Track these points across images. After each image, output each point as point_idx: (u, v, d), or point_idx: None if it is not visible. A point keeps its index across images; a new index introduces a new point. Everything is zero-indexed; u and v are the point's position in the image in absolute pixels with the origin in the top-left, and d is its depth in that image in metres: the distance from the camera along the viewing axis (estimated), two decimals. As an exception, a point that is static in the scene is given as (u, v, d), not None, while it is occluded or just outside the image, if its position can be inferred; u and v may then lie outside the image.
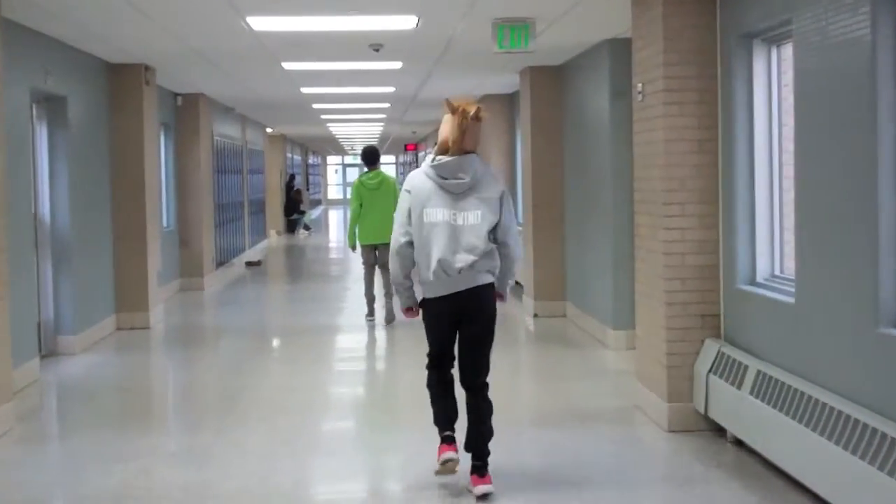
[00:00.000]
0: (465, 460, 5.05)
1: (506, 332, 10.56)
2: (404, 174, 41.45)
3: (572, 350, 9.24)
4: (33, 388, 7.72)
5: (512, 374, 8.40)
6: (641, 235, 6.73)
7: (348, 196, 16.28)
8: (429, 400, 5.18)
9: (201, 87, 13.55)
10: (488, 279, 4.92)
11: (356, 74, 11.87)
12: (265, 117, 20.29)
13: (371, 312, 10.63)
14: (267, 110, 18.06)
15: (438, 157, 4.99)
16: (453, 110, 4.98)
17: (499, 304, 5.07)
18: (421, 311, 5.07)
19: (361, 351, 9.73)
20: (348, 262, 18.27)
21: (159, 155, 12.95)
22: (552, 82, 10.99)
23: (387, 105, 16.97)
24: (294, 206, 27.16)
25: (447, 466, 5.00)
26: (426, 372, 5.18)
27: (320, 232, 28.12)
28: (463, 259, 4.81)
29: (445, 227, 4.83)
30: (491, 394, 5.14)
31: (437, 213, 4.86)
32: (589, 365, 8.56)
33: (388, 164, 52.77)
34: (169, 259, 13.39)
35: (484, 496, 4.88)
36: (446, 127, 5.01)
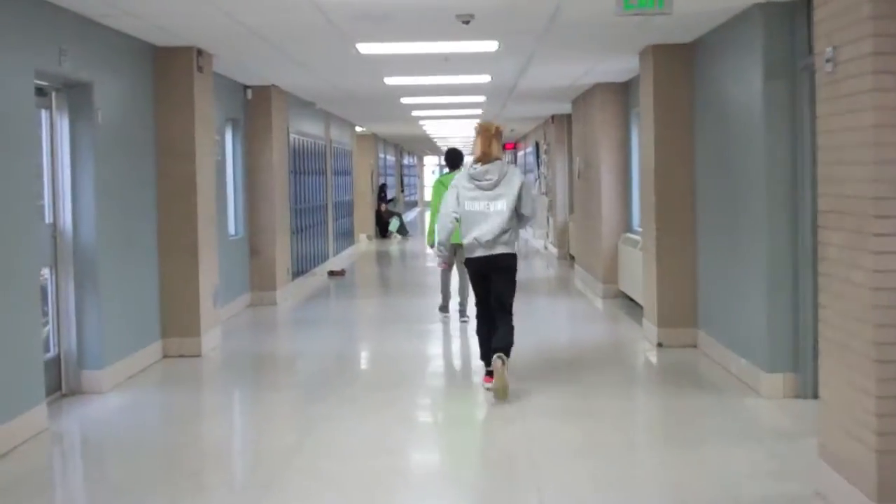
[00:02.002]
0: None
1: (620, 365, 8.72)
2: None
3: (710, 396, 7.31)
4: (33, 443, 6.15)
5: (630, 427, 6.54)
6: (830, 259, 4.82)
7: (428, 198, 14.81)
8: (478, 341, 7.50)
9: (272, 79, 11.97)
10: (507, 249, 7.13)
11: (444, 60, 10.12)
12: (352, 114, 18.71)
13: (445, 307, 11.11)
14: (352, 106, 16.44)
15: (474, 165, 7.18)
16: (478, 132, 7.16)
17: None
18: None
19: (459, 398, 7.95)
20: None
21: (225, 154, 11.43)
22: (681, 64, 9.06)
23: (482, 98, 15.19)
24: (383, 222, 25.67)
25: (499, 373, 6.92)
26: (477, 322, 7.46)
27: (416, 235, 26.46)
28: (490, 235, 7.04)
29: (480, 213, 7.07)
30: (606, 459, 5.74)
31: (475, 204, 7.09)
32: (737, 420, 6.63)
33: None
34: (237, 271, 11.85)
35: (500, 361, 6.93)
36: (476, 143, 7.17)
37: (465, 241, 7.16)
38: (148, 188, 8.69)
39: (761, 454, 5.79)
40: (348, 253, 20.06)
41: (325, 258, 16.98)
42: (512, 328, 7.22)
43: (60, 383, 7.40)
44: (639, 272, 11.13)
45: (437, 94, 14.47)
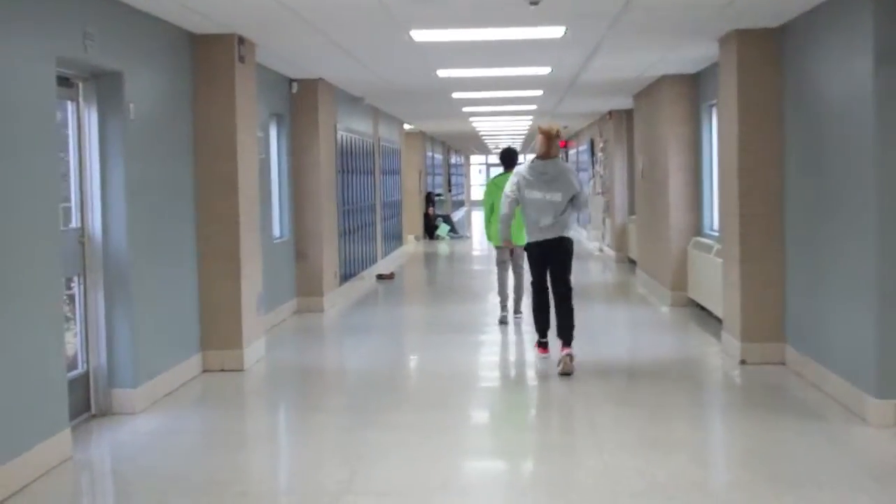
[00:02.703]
0: None
1: (699, 385, 7.92)
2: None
3: (809, 424, 6.46)
4: (55, 475, 5.49)
5: (723, 463, 5.72)
6: None
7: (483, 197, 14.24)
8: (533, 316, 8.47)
9: (319, 71, 11.28)
10: (563, 233, 8.12)
11: (505, 48, 9.36)
12: (400, 110, 18.00)
13: (504, 309, 10.85)
14: (401, 101, 15.72)
15: (535, 159, 8.28)
16: (542, 132, 8.23)
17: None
18: (525, 253, 8.53)
19: (521, 424, 7.19)
20: (493, 273, 15.79)
21: (269, 152, 10.75)
22: (769, 50, 8.21)
23: (539, 93, 14.40)
24: (431, 224, 24.98)
25: (544, 356, 8.43)
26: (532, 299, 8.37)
27: (462, 236, 25.68)
28: (547, 221, 8.08)
29: (538, 202, 8.10)
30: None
31: (534, 194, 8.13)
32: (847, 455, 5.79)
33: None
34: (282, 276, 11.18)
35: (569, 357, 7.90)
36: (538, 141, 8.27)
37: (527, 227, 8.29)
38: (185, 189, 8.01)
39: (886, 499, 4.97)
40: (397, 255, 19.36)
41: (373, 261, 16.28)
42: (572, 309, 8.25)
43: (90, 403, 6.75)
44: (711, 279, 10.30)
45: (492, 89, 13.70)
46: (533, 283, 8.39)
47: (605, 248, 19.18)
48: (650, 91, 13.05)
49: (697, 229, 11.81)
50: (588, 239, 21.73)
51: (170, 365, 7.54)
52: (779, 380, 7.78)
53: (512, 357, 9.50)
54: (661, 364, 8.64)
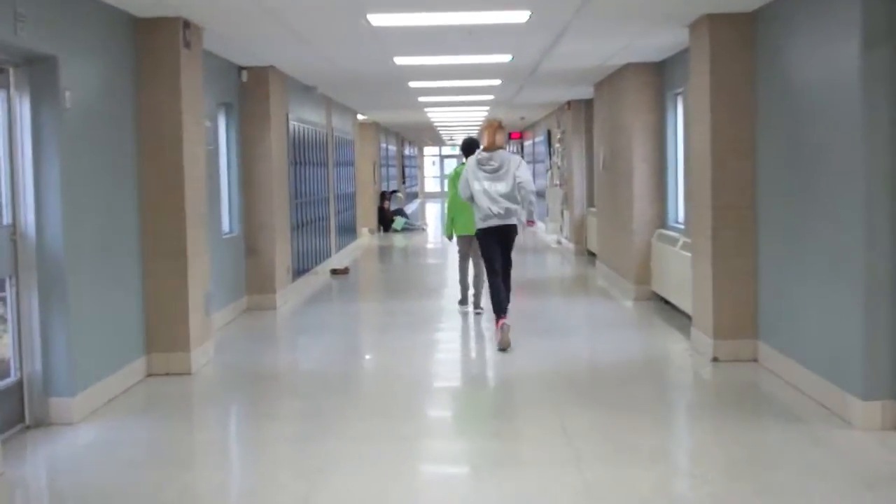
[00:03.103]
0: None
1: (671, 385, 7.64)
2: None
3: (791, 426, 6.14)
4: (-18, 497, 5.01)
5: (706, 472, 5.35)
6: None
7: (446, 189, 13.96)
8: (489, 294, 8.93)
9: (270, 58, 10.79)
10: (511, 221, 8.84)
11: (466, 36, 8.95)
12: (355, 100, 17.51)
13: (464, 300, 10.99)
14: (356, 91, 15.23)
15: (481, 152, 8.93)
16: (485, 126, 8.96)
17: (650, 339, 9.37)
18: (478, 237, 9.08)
19: (489, 431, 6.79)
20: (448, 268, 15.42)
21: (217, 143, 10.26)
22: (742, 36, 7.88)
23: (497, 83, 14.01)
24: (386, 217, 24.56)
25: (504, 331, 8.60)
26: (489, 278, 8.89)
27: (418, 228, 25.23)
28: (495, 210, 8.74)
29: (487, 192, 8.74)
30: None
31: (483, 184, 8.76)
32: (835, 460, 5.47)
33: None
34: (232, 273, 10.69)
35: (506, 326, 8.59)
36: (484, 135, 8.93)
37: (477, 216, 8.84)
38: (127, 182, 7.51)
39: (883, 510, 4.66)
40: (351, 249, 18.89)
41: (327, 255, 15.79)
42: (510, 288, 9.09)
43: (23, 414, 6.24)
44: (677, 273, 10.01)
45: (450, 78, 13.29)
46: (487, 269, 8.99)
47: (564, 241, 18.88)
48: (613, 80, 12.72)
49: (662, 221, 11.51)
50: (546, 231, 21.39)
51: (111, 370, 7.05)
52: (752, 378, 7.49)
53: (473, 356, 9.12)
54: (630, 363, 8.30)
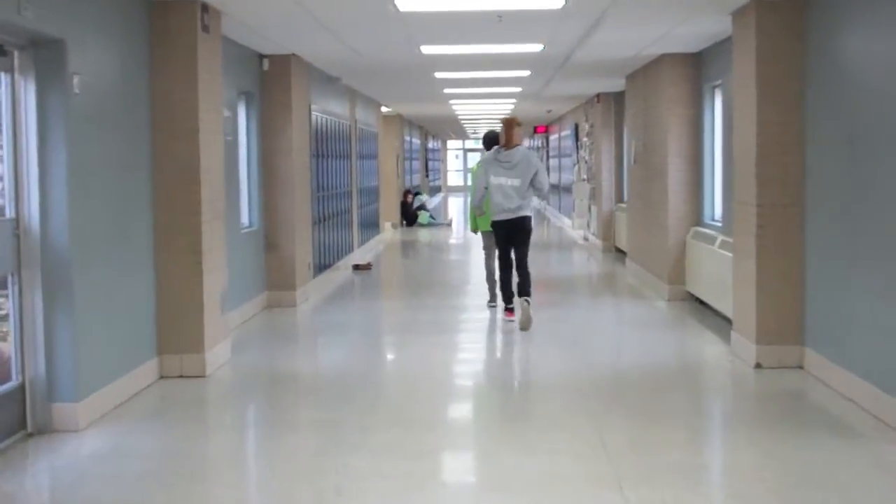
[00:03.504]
0: None
1: (711, 394, 7.21)
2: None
3: (843, 442, 5.69)
4: (-25, 513, 4.64)
5: (750, 495, 4.89)
6: None
7: (469, 182, 13.56)
8: (499, 286, 9.64)
9: (292, 46, 10.39)
10: (526, 213, 9.25)
11: (496, 22, 8.53)
12: (379, 92, 17.10)
13: (493, 298, 10.59)
14: (380, 81, 14.82)
15: (499, 148, 9.32)
16: (503, 123, 9.28)
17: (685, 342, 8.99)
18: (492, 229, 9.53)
19: (520, 445, 6.36)
20: (472, 264, 15.01)
21: (237, 133, 9.88)
22: (791, 23, 7.42)
23: (527, 73, 13.57)
24: (409, 211, 24.12)
25: (510, 319, 9.40)
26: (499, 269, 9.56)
27: (442, 223, 24.79)
28: (511, 204, 9.16)
29: (503, 186, 9.19)
30: None
31: (499, 179, 9.20)
32: (901, 484, 5.03)
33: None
34: (251, 269, 10.32)
35: (527, 301, 9.11)
36: (502, 133, 9.29)
37: (493, 208, 9.29)
38: (140, 174, 7.13)
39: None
40: (374, 243, 18.52)
41: (349, 250, 15.41)
42: (529, 274, 9.30)
43: (25, 420, 5.88)
44: (714, 272, 9.56)
45: (477, 69, 12.85)
46: (499, 258, 9.49)
47: (591, 237, 18.42)
48: (647, 71, 12.24)
49: (697, 218, 11.04)
50: (573, 227, 20.91)
51: (120, 373, 6.68)
52: (799, 386, 7.04)
53: (499, 358, 8.71)
54: (667, 368, 7.87)
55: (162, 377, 7.35)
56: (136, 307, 7.03)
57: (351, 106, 15.84)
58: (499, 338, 9.48)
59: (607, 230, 16.91)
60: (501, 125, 9.30)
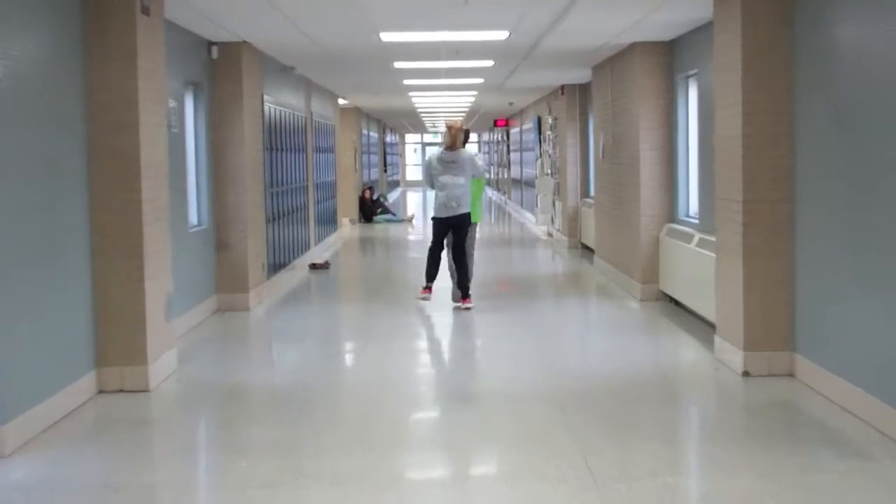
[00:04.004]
0: None
1: (699, 406, 6.66)
2: (489, 153, 37.96)
3: (850, 463, 5.19)
4: None
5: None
6: None
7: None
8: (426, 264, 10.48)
9: (243, 33, 9.75)
10: (465, 210, 10.16)
11: (461, 7, 7.95)
12: (336, 83, 16.45)
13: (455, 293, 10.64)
14: (337, 72, 14.17)
15: (444, 150, 10.33)
16: (447, 129, 10.28)
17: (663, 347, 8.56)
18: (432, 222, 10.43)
19: (498, 480, 5.80)
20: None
21: (183, 126, 9.23)
22: (779, 7, 6.92)
23: (490, 64, 13.01)
24: (367, 207, 23.50)
25: (424, 297, 10.45)
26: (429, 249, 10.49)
27: (401, 219, 24.18)
28: (453, 200, 10.10)
29: (447, 184, 10.13)
30: None
31: (444, 178, 10.16)
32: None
33: (471, 143, 48.94)
34: (200, 270, 9.67)
35: (466, 309, 9.93)
36: (446, 137, 10.30)
37: (436, 204, 10.23)
38: (73, 169, 6.47)
39: None
40: (331, 241, 17.88)
41: (305, 248, 14.76)
42: (468, 268, 10.30)
43: (-60, 447, 5.23)
44: (691, 272, 9.11)
45: (439, 59, 12.27)
46: (432, 245, 10.49)
47: (555, 233, 17.92)
48: (616, 62, 11.74)
49: (671, 215, 10.56)
50: (536, 223, 20.40)
51: (52, 390, 6.03)
52: (792, 397, 6.56)
53: (467, 366, 8.13)
54: (650, 378, 7.35)
55: (101, 392, 6.71)
56: (70, 317, 6.37)
57: (306, 97, 15.19)
58: (464, 343, 8.93)
59: (573, 226, 16.43)
60: (446, 129, 10.26)
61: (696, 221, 9.69)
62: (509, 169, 29.26)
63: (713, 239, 8.41)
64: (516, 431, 5.96)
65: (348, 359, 8.48)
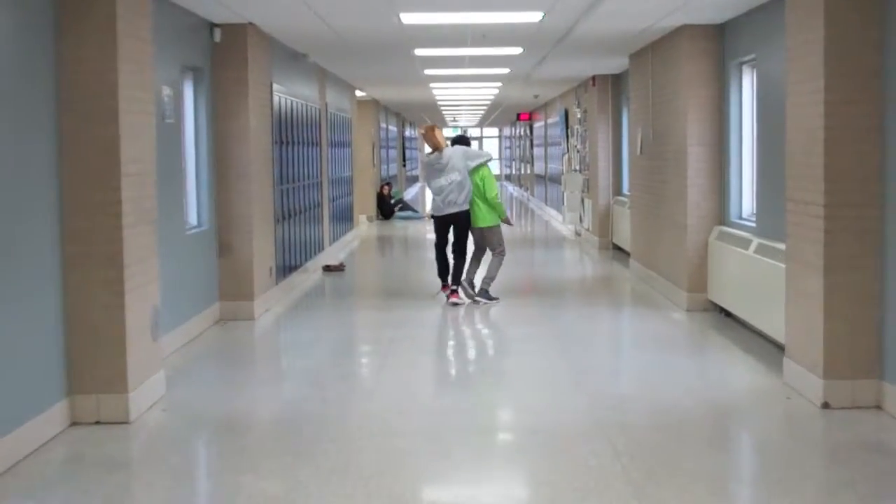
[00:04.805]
0: None
1: (778, 449, 5.57)
2: (510, 149, 37.01)
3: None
4: None
5: None
6: None
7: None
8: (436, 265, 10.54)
9: (249, 14, 8.80)
10: (463, 208, 10.18)
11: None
12: (352, 73, 15.46)
13: (476, 293, 10.38)
14: (354, 60, 13.16)
15: (429, 154, 10.39)
16: (426, 133, 10.39)
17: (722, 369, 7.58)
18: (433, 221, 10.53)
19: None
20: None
21: (181, 116, 8.28)
22: (870, -22, 5.91)
23: (517, 51, 12.00)
24: (385, 203, 22.53)
25: (455, 301, 10.11)
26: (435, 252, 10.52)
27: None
28: (450, 199, 10.14)
29: (441, 186, 10.17)
30: None
31: (438, 181, 10.20)
32: None
33: (491, 138, 48.07)
34: (200, 276, 8.75)
35: (454, 304, 9.99)
36: (428, 139, 10.37)
37: (434, 204, 10.34)
38: (41, 167, 5.52)
39: None
40: (347, 240, 16.92)
41: (319, 249, 13.79)
42: (462, 262, 10.33)
43: None
44: (747, 281, 8.14)
45: (463, 45, 11.28)
46: (436, 245, 10.54)
47: (584, 233, 16.90)
48: (658, 48, 10.71)
49: (721, 217, 9.53)
50: (563, 222, 19.36)
51: (14, 424, 5.10)
52: (882, 436, 5.56)
53: (501, 393, 7.13)
54: (711, 407, 6.33)
55: (73, 423, 5.77)
56: (37, 338, 5.43)
57: (321, 87, 14.21)
58: (492, 363, 7.97)
59: (604, 226, 15.43)
60: (425, 134, 10.34)
61: (753, 224, 8.67)
62: (532, 164, 28.24)
63: (776, 245, 7.44)
64: (565, 486, 4.93)
65: (362, 383, 7.44)
